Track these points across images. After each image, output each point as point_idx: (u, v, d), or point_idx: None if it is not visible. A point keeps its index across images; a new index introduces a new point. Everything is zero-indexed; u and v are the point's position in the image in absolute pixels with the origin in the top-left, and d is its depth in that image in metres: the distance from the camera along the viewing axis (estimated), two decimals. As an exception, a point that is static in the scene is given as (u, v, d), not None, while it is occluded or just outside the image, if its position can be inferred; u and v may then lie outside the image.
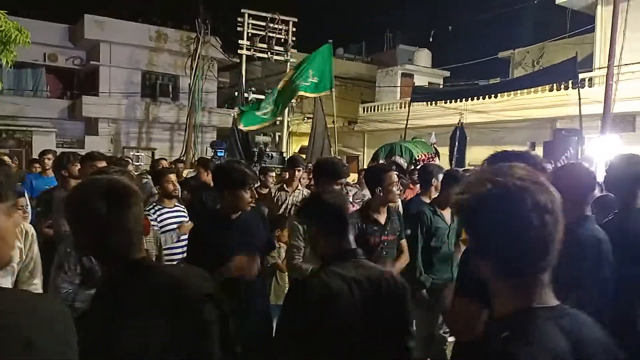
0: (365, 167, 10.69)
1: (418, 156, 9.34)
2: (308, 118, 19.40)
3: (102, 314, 1.37)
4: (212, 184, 5.14)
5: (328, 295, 1.68)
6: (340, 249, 1.88)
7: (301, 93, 10.96)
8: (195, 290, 1.41)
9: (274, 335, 1.74)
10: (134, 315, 1.32)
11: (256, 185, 3.81)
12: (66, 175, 4.07)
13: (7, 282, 2.48)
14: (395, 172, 3.52)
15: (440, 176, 4.11)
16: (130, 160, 6.08)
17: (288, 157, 8.68)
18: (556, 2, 16.09)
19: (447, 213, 3.77)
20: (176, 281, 1.42)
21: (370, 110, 22.07)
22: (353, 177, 9.58)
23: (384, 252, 3.37)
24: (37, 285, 2.58)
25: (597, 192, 4.66)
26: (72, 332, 0.95)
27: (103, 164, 3.73)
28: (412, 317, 1.94)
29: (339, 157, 17.50)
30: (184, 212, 4.12)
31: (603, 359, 0.97)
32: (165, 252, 3.44)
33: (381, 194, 3.34)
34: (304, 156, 13.33)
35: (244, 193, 2.65)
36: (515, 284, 1.00)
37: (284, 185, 5.09)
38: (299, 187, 5.04)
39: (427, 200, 4.06)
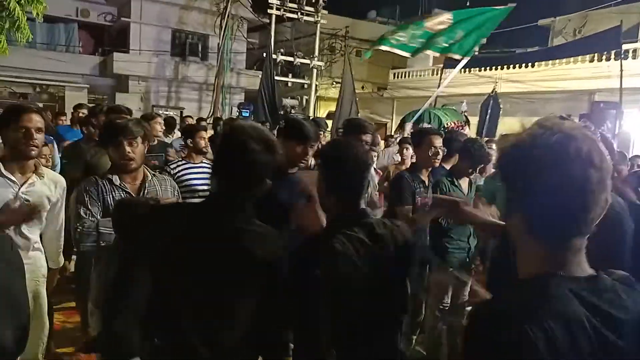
0: (392, 133, 10.53)
1: (447, 124, 9.13)
2: (337, 82, 19.15)
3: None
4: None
5: (345, 256, 1.64)
6: (352, 208, 1.78)
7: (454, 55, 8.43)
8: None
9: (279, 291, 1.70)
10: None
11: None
12: (95, 124, 4.13)
13: (36, 233, 2.53)
14: (440, 137, 3.59)
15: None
16: (160, 116, 6.13)
17: (312, 119, 8.53)
18: (604, -33, 15.22)
19: (464, 183, 3.74)
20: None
21: (401, 77, 21.62)
22: (381, 144, 9.45)
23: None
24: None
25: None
26: (17, 256, 1.07)
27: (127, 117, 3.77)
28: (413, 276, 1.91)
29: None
30: (206, 168, 4.13)
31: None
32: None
33: (424, 155, 3.51)
34: (329, 122, 13.24)
35: (305, 149, 2.70)
36: (545, 246, 0.93)
37: None
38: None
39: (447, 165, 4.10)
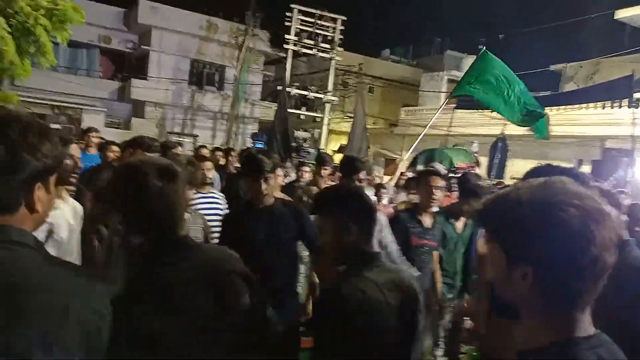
0: (402, 170, 10.55)
1: (458, 164, 9.17)
2: (348, 117, 19.38)
3: (145, 287, 1.42)
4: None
5: (364, 303, 1.60)
6: (364, 250, 1.74)
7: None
8: (232, 267, 1.50)
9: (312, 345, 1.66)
10: (178, 289, 1.40)
11: (286, 177, 3.87)
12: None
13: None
14: (442, 179, 3.55)
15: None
16: (179, 144, 6.20)
17: (317, 154, 8.64)
18: (615, 18, 15.48)
19: (459, 223, 3.72)
20: (214, 258, 1.51)
21: (412, 114, 21.84)
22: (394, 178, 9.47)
23: (422, 256, 3.40)
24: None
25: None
26: (106, 305, 1.02)
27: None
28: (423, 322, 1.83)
29: (374, 158, 17.39)
30: (219, 198, 4.17)
31: None
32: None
33: (423, 196, 3.47)
34: (340, 155, 13.32)
35: (258, 182, 2.65)
36: (558, 315, 0.90)
37: (313, 183, 5.12)
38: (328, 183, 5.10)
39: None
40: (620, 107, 12.99)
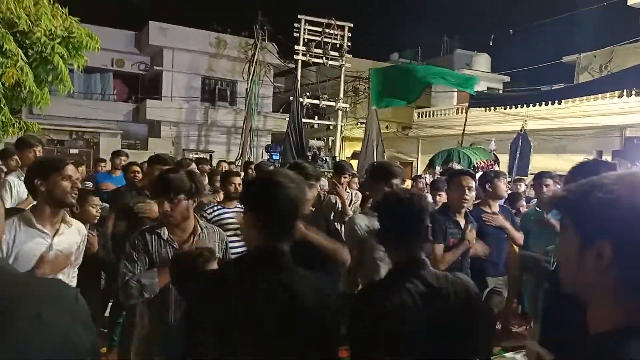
0: (419, 173, 10.50)
1: (477, 163, 9.08)
2: (361, 123, 19.34)
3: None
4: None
5: (394, 310, 1.59)
6: (409, 258, 1.72)
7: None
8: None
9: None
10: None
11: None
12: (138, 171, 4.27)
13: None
14: (471, 178, 3.53)
15: (498, 181, 4.03)
16: (192, 161, 6.29)
17: (336, 161, 8.72)
18: (628, 4, 15.25)
19: (460, 218, 3.56)
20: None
21: (425, 116, 21.74)
22: (407, 183, 9.43)
23: (462, 257, 3.41)
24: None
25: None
26: (83, 308, 1.07)
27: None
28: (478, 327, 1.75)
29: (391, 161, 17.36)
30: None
31: None
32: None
33: (455, 197, 3.48)
34: (354, 162, 13.31)
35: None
36: (634, 298, 0.87)
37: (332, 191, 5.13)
38: (348, 190, 5.10)
39: (486, 209, 4.03)
40: (638, 95, 12.77)
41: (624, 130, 13.47)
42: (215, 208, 4.04)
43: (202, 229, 2.58)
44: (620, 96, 13.82)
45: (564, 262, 0.98)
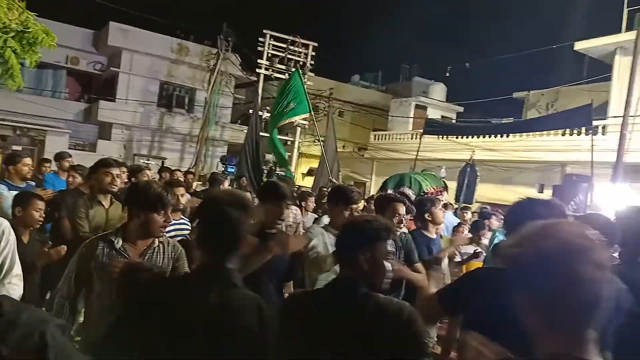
0: (372, 194, 10.70)
1: (427, 189, 9.34)
2: (319, 140, 19.54)
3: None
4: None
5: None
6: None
7: (286, 121, 12.03)
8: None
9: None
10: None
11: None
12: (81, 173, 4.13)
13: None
14: (404, 205, 3.62)
15: (434, 209, 4.25)
16: (149, 168, 6.11)
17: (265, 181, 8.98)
18: (574, 49, 16.26)
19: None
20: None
21: (381, 139, 22.18)
22: (361, 204, 9.56)
23: None
24: (12, 285, 2.38)
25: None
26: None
27: (117, 171, 3.77)
28: None
29: (346, 182, 17.53)
30: (187, 224, 4.12)
31: None
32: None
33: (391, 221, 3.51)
34: (310, 178, 13.37)
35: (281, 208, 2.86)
36: (562, 336, 1.00)
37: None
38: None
39: (427, 233, 4.22)
40: (579, 134, 13.58)
41: (565, 167, 14.24)
42: (165, 219, 3.96)
43: (160, 243, 2.53)
44: (563, 134, 14.68)
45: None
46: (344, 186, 3.91)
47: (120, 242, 2.43)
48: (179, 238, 3.82)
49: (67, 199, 3.99)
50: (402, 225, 3.64)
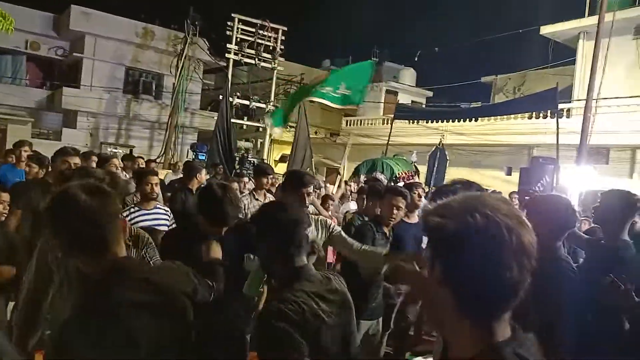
0: (345, 179, 10.72)
1: (399, 174, 9.43)
2: (291, 127, 19.41)
3: (92, 314, 1.42)
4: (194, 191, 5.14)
5: (302, 313, 1.66)
6: (293, 268, 1.80)
7: (324, 101, 9.54)
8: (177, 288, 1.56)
9: None
10: (123, 315, 1.41)
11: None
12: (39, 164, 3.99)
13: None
14: (403, 199, 3.72)
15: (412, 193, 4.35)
16: (116, 157, 5.90)
17: (255, 165, 8.65)
18: (540, 33, 16.55)
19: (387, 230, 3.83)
20: (159, 281, 1.55)
21: (353, 124, 22.23)
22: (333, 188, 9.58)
23: None
24: None
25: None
26: None
27: (76, 159, 3.64)
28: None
29: (317, 167, 17.54)
30: (165, 214, 4.03)
31: None
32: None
33: (385, 211, 3.71)
34: (283, 165, 13.33)
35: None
36: (479, 322, 0.95)
37: (254, 192, 5.05)
38: (267, 195, 5.06)
39: (408, 220, 4.24)
40: (545, 117, 13.90)
41: (532, 149, 14.58)
42: (133, 210, 3.86)
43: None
44: (530, 117, 15.00)
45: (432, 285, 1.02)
46: (298, 170, 3.95)
47: None
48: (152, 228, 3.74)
49: (30, 192, 3.84)
50: (396, 219, 3.76)
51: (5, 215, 3.33)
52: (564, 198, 2.68)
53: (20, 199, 3.77)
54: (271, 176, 5.25)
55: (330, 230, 3.32)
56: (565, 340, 2.16)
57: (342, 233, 3.36)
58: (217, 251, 2.22)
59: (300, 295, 1.69)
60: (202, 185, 5.05)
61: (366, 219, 4.36)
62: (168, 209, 4.12)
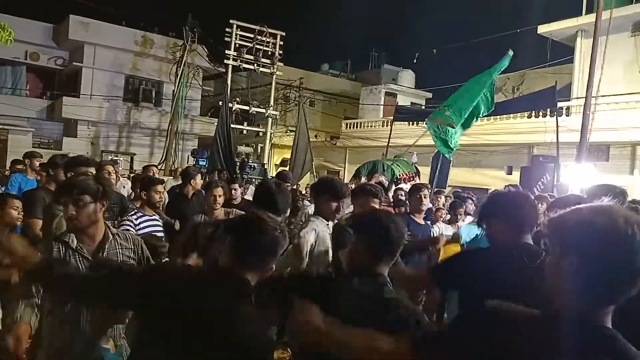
0: (346, 182, 10.74)
1: (399, 175, 9.44)
2: (291, 131, 19.43)
3: None
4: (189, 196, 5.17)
5: None
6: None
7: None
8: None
9: None
10: None
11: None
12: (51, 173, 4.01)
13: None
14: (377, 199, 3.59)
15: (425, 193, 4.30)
16: (116, 163, 5.93)
17: (277, 172, 8.60)
18: (538, 32, 16.58)
19: None
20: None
21: (353, 127, 22.25)
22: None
23: None
24: None
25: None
26: None
27: (92, 170, 3.65)
28: None
29: (317, 171, 17.55)
30: (159, 222, 4.07)
31: None
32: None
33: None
34: (283, 169, 13.35)
35: None
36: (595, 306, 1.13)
37: None
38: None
39: (416, 219, 4.25)
40: (545, 116, 13.91)
41: (532, 148, 14.58)
42: (138, 214, 3.89)
43: (113, 235, 2.43)
44: (529, 116, 15.00)
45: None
46: (334, 178, 3.90)
47: (75, 240, 2.32)
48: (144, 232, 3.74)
49: (40, 198, 3.86)
50: None
51: (20, 220, 3.37)
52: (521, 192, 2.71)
53: (37, 206, 3.77)
54: (290, 184, 5.29)
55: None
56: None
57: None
58: None
59: None
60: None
61: None
62: (158, 217, 4.15)
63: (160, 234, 3.84)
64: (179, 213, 4.76)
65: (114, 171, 5.39)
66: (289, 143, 18.25)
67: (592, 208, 1.16)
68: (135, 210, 3.97)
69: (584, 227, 1.11)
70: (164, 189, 4.46)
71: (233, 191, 5.52)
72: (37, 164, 5.57)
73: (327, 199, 3.13)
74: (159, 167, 15.75)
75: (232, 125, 14.33)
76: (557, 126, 9.66)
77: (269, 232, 1.63)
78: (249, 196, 6.61)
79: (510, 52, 9.09)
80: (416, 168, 10.86)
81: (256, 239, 1.64)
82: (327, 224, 3.13)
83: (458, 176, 13.64)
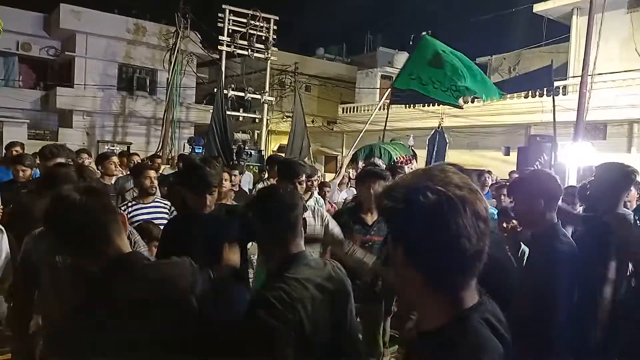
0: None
1: (396, 158, 9.43)
2: (287, 116, 19.33)
3: (96, 311, 1.40)
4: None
5: (290, 303, 1.61)
6: (288, 254, 1.76)
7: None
8: (181, 286, 1.51)
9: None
10: (126, 311, 1.39)
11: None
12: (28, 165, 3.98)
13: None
14: (383, 181, 3.55)
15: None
16: (115, 154, 5.84)
17: (268, 156, 8.56)
18: (533, 11, 16.43)
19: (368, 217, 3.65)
20: (163, 277, 1.52)
21: (350, 111, 22.17)
22: (331, 177, 9.60)
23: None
24: None
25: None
26: None
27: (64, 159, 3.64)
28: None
29: (315, 156, 17.51)
30: (164, 207, 4.04)
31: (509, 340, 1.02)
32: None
33: (365, 196, 3.52)
34: (280, 155, 13.32)
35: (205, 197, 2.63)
36: (448, 293, 0.98)
37: (265, 184, 5.07)
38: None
39: None
40: (541, 95, 13.85)
41: (529, 128, 14.56)
42: (131, 204, 3.89)
43: None
44: (526, 96, 14.94)
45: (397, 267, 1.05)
46: (290, 159, 3.93)
47: None
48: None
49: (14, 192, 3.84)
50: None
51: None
52: (543, 171, 2.70)
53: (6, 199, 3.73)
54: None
55: (325, 222, 3.32)
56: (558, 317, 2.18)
57: (335, 230, 3.32)
58: (234, 255, 2.13)
59: (291, 283, 1.65)
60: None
61: None
62: (168, 203, 4.13)
63: (161, 220, 3.81)
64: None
65: (119, 162, 5.36)
66: (285, 129, 18.18)
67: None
68: (128, 202, 3.96)
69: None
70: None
71: (233, 177, 5.50)
72: (14, 152, 5.40)
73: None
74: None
75: (227, 112, 14.21)
76: (554, 105, 9.62)
77: None
78: (244, 184, 6.58)
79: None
80: (413, 151, 10.85)
81: None
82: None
83: (455, 157, 13.62)
